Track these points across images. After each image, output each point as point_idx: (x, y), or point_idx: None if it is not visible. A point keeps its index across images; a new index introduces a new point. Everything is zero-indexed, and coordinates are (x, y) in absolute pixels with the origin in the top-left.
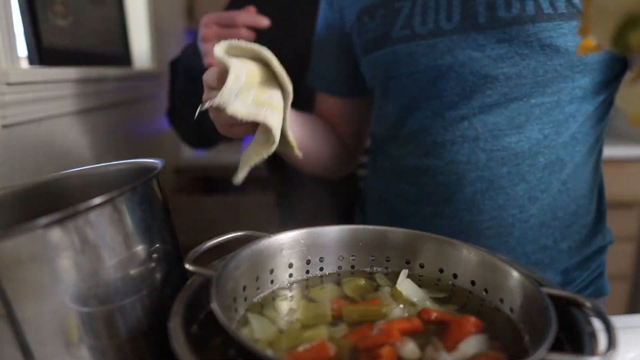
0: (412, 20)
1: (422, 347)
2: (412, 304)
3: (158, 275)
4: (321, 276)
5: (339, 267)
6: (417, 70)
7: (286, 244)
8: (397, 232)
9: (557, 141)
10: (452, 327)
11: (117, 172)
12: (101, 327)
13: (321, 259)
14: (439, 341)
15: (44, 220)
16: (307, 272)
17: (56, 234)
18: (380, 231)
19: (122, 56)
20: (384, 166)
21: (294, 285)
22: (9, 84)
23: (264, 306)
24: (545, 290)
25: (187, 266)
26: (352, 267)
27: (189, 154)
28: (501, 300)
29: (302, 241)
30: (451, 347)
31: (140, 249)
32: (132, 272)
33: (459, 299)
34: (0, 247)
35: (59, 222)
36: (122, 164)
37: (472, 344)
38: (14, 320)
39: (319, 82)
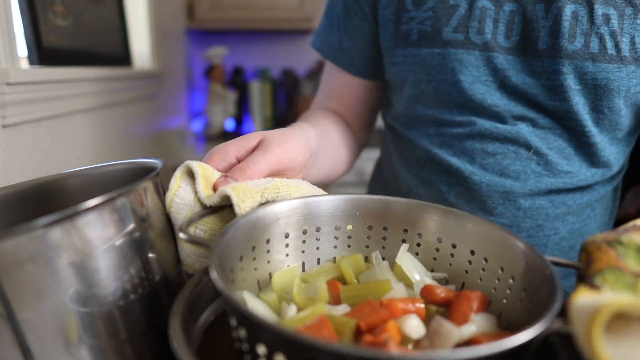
0: (468, 25)
1: (426, 323)
2: (413, 282)
3: (158, 275)
4: (317, 247)
5: (336, 238)
6: (466, 80)
7: (283, 213)
8: (396, 201)
9: (599, 180)
10: (457, 302)
11: (117, 172)
12: (101, 327)
13: (318, 229)
14: (443, 317)
15: (43, 220)
16: (304, 242)
17: (56, 234)
18: (379, 200)
19: (123, 56)
20: (421, 173)
21: (290, 256)
22: (9, 84)
23: (261, 286)
24: (549, 258)
25: (181, 235)
26: (349, 237)
27: (189, 154)
28: (502, 269)
29: (299, 210)
30: (457, 322)
31: (140, 249)
32: (132, 272)
33: (458, 269)
34: (0, 247)
35: (59, 222)
36: (122, 164)
37: (478, 320)
38: (13, 320)
39: (342, 60)
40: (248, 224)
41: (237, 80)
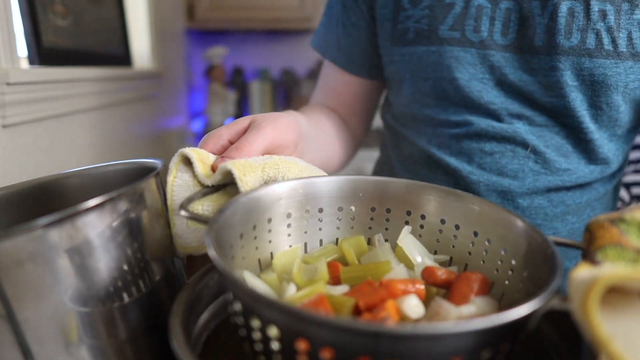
0: (464, 23)
1: (426, 305)
2: (414, 264)
3: (158, 275)
4: (320, 228)
5: (338, 219)
6: (462, 77)
7: (284, 193)
8: (398, 183)
9: (598, 177)
10: (457, 283)
11: (117, 172)
12: (101, 327)
13: (320, 210)
14: (443, 298)
15: (43, 220)
16: (306, 222)
17: (56, 234)
18: (381, 181)
19: (123, 56)
20: (420, 171)
21: (292, 236)
22: (9, 84)
23: (263, 266)
24: (552, 238)
25: (182, 212)
26: (352, 218)
27: None
28: (504, 250)
29: (301, 190)
30: (457, 303)
31: (140, 248)
32: (132, 272)
33: (461, 251)
34: (0, 247)
35: (59, 222)
36: (122, 164)
37: (478, 302)
38: (13, 320)
39: (340, 58)
40: (249, 202)
41: (237, 80)
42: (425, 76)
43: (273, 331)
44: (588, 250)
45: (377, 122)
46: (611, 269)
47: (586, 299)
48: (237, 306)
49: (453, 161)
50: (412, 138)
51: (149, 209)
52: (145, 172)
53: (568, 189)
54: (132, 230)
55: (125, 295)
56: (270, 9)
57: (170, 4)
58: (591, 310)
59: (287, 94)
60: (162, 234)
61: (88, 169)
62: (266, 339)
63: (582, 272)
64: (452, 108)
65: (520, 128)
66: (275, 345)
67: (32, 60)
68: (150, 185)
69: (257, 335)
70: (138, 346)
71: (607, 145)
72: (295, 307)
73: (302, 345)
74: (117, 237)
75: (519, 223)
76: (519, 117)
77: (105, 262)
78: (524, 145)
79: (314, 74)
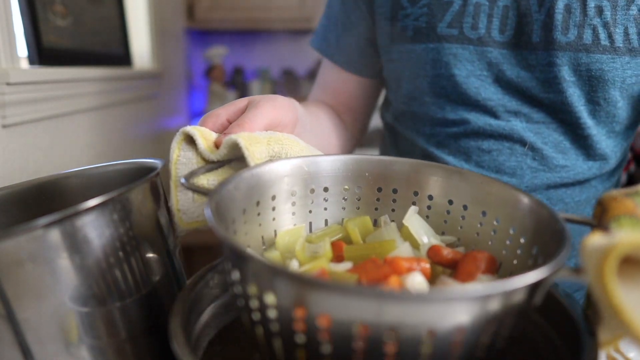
0: (462, 20)
1: (431, 284)
2: (420, 244)
3: (158, 275)
4: (325, 208)
5: (344, 199)
6: (460, 74)
7: (289, 170)
8: (402, 162)
9: (596, 173)
10: (463, 262)
11: (117, 172)
12: (101, 327)
13: (325, 189)
14: (449, 276)
15: (43, 220)
16: (311, 201)
17: (56, 234)
18: (386, 161)
19: (123, 56)
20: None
21: (297, 215)
22: (9, 84)
23: (266, 244)
24: (562, 215)
25: (182, 181)
26: (358, 199)
27: None
28: (513, 229)
29: (306, 168)
30: (463, 281)
31: (139, 248)
32: (132, 271)
33: (469, 231)
34: (0, 247)
35: (59, 222)
36: (122, 164)
37: (484, 280)
38: (14, 320)
39: (340, 57)
40: (252, 178)
41: (237, 80)
42: (423, 73)
43: (270, 298)
44: (600, 222)
45: (377, 121)
46: (629, 235)
47: (603, 263)
48: (235, 275)
49: (451, 160)
50: (411, 137)
51: (149, 209)
52: (145, 172)
53: (567, 186)
54: (132, 230)
55: (125, 295)
56: (270, 9)
57: (170, 4)
58: (608, 275)
59: (287, 94)
60: (162, 233)
61: (88, 169)
62: (264, 307)
63: (596, 239)
64: (449, 106)
65: (517, 125)
66: (272, 313)
67: (32, 60)
68: (150, 185)
69: (254, 303)
70: (138, 346)
71: (605, 141)
72: (292, 270)
73: (299, 312)
74: (117, 237)
75: (527, 200)
76: (516, 114)
77: (105, 262)
78: (522, 142)
79: (314, 74)
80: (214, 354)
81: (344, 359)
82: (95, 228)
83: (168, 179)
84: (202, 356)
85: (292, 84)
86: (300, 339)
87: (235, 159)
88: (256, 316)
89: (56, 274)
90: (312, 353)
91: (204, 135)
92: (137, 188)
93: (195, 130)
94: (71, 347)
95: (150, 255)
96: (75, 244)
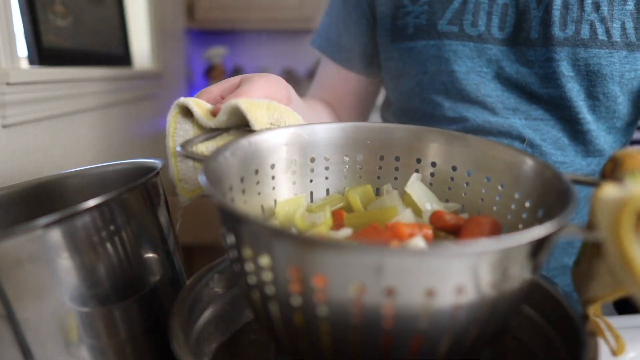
0: (463, 17)
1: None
2: (423, 211)
3: (158, 275)
4: (326, 177)
5: (345, 168)
6: (460, 70)
7: (288, 138)
8: (403, 129)
9: (595, 170)
10: (466, 227)
11: (117, 172)
12: (101, 327)
13: (326, 158)
14: (452, 242)
15: (43, 220)
16: (312, 170)
17: (56, 234)
18: (387, 128)
19: (123, 56)
20: None
21: (297, 184)
22: (9, 84)
23: (266, 214)
24: (569, 176)
25: (178, 149)
26: (360, 167)
27: None
28: (518, 193)
29: (305, 136)
30: None
31: (139, 248)
32: (132, 271)
33: (474, 198)
34: (0, 247)
35: (59, 222)
36: (122, 164)
37: None
38: (14, 320)
39: (340, 55)
40: (250, 146)
41: None
42: (423, 70)
43: (265, 260)
44: (613, 176)
45: (377, 121)
46: None
47: (620, 214)
48: (231, 239)
49: None
50: None
51: (149, 209)
52: (145, 172)
53: None
54: (132, 230)
55: (125, 296)
56: (270, 9)
57: (170, 4)
58: (624, 227)
59: None
60: (161, 233)
61: (88, 169)
62: (259, 269)
63: (611, 190)
64: (449, 103)
65: (516, 122)
66: (268, 276)
67: (32, 60)
68: (150, 185)
69: (250, 266)
70: (138, 346)
71: (604, 137)
72: (284, 229)
73: (294, 273)
74: (117, 237)
75: (531, 162)
76: (515, 111)
77: (105, 262)
78: (521, 139)
79: (314, 74)
80: (214, 354)
81: (341, 322)
82: (95, 228)
83: (169, 178)
84: (202, 356)
85: (292, 84)
86: (296, 301)
87: (234, 127)
88: (252, 280)
89: (56, 274)
90: (308, 316)
91: (199, 104)
92: (137, 188)
93: (189, 100)
94: (71, 347)
95: (150, 255)
96: (75, 244)
